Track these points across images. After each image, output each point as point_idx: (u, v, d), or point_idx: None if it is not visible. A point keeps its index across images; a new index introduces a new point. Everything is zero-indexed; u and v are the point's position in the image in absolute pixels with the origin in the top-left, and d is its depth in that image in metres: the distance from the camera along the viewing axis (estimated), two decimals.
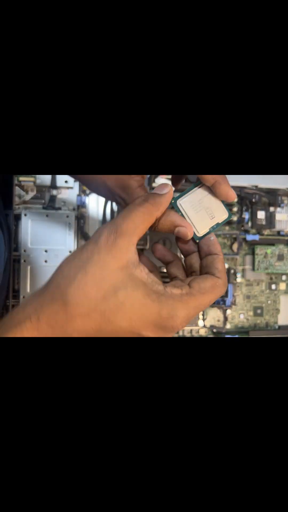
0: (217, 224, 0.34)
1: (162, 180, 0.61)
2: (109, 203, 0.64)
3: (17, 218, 0.59)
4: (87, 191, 0.64)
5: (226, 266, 0.67)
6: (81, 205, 0.63)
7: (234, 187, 0.64)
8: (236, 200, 0.65)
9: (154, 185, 0.61)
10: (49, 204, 0.61)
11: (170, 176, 0.61)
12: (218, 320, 0.69)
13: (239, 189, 0.65)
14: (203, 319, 0.68)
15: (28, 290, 0.58)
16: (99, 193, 0.43)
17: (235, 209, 0.65)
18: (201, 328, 0.68)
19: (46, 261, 0.59)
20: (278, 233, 0.70)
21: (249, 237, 0.68)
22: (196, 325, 0.67)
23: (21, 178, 0.59)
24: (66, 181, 0.60)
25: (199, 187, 0.35)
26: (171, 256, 0.34)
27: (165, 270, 0.35)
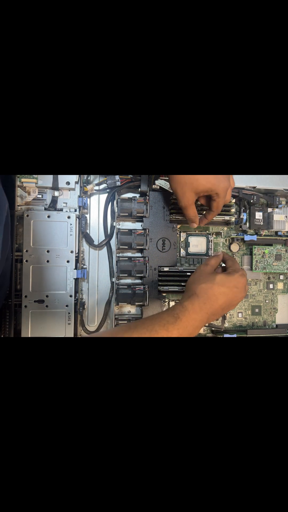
0: None
1: (162, 180, 0.61)
2: (109, 204, 0.65)
3: (20, 219, 0.60)
4: (88, 193, 0.64)
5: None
6: (83, 206, 0.63)
7: (233, 188, 0.65)
8: (234, 201, 0.66)
9: (154, 186, 0.61)
10: (50, 205, 0.62)
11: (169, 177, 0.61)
12: (217, 319, 0.70)
13: (237, 190, 0.66)
14: None
15: (30, 289, 0.59)
16: None
17: (233, 210, 0.66)
18: None
19: (48, 261, 0.60)
20: (276, 233, 0.71)
21: (247, 238, 0.68)
22: None
23: (23, 180, 0.59)
24: (67, 183, 0.61)
25: None
26: None
27: None
